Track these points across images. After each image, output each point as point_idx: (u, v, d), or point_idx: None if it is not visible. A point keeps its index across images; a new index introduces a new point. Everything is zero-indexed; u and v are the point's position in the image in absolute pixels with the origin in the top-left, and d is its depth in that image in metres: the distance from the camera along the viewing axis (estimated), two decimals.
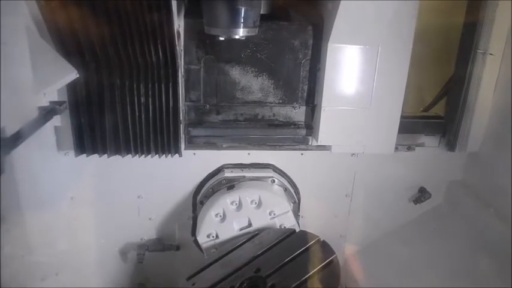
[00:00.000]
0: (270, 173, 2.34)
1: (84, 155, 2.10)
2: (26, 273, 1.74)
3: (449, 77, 2.38)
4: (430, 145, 2.43)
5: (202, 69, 2.16)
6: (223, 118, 2.29)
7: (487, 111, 2.25)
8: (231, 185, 2.27)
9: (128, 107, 2.01)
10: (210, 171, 2.38)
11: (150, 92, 2.00)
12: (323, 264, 1.85)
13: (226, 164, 2.37)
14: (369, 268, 2.53)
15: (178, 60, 1.95)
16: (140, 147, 2.11)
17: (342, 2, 1.87)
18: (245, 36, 1.83)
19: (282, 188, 2.34)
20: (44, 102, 1.69)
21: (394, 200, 2.58)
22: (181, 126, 2.12)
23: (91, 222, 2.38)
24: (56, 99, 1.94)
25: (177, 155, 2.16)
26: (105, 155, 2.11)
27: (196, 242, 2.21)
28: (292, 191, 2.40)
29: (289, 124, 2.33)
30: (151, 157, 2.14)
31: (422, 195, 2.54)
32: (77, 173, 2.25)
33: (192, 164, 2.29)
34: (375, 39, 2.06)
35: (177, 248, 2.52)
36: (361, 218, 2.57)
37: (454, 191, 2.52)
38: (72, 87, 1.94)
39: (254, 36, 1.90)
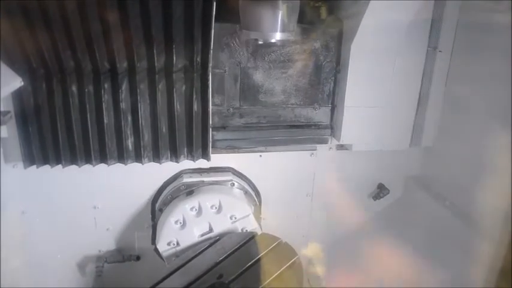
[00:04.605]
0: (229, 177, 2.32)
1: (34, 166, 2.01)
2: None
3: None
4: None
5: (226, 73, 2.16)
6: (246, 121, 2.29)
7: (439, 107, 2.31)
8: (190, 190, 2.23)
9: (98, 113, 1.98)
10: (168, 177, 2.33)
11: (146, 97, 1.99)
12: (286, 266, 1.85)
13: (185, 169, 2.33)
14: (332, 266, 2.55)
15: (210, 64, 1.94)
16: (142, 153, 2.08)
17: (369, 6, 1.91)
18: (284, 39, 1.88)
19: (242, 191, 2.32)
20: None
21: (354, 197, 2.60)
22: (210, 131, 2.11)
23: (45, 237, 2.27)
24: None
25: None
26: (57, 166, 2.03)
27: (156, 250, 2.15)
28: (252, 193, 2.38)
29: (310, 125, 2.36)
30: (160, 163, 2.13)
31: (381, 191, 2.57)
32: (27, 185, 2.15)
33: (149, 171, 2.23)
34: (394, 42, 2.13)
35: (137, 258, 2.45)
36: (322, 217, 2.58)
37: (411, 185, 2.57)
38: (18, 95, 1.86)
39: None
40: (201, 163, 2.27)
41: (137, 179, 2.27)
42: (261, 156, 2.37)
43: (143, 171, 2.19)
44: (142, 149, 2.06)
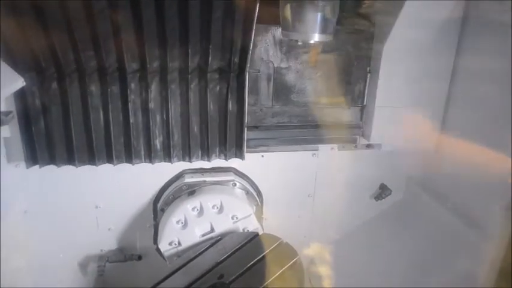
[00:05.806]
0: (231, 177, 2.31)
1: (37, 166, 2.02)
2: None
3: None
4: None
5: (260, 73, 2.19)
6: (278, 121, 2.33)
7: (442, 107, 2.31)
8: (191, 190, 2.23)
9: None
10: (170, 177, 2.33)
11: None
12: (287, 266, 1.85)
13: (187, 170, 2.33)
14: (333, 267, 2.54)
15: (248, 65, 1.97)
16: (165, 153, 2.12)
17: (403, 8, 1.94)
18: (323, 41, 1.92)
19: (243, 191, 2.32)
20: None
21: (356, 198, 2.59)
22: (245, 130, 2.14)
23: (47, 236, 2.27)
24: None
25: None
26: (57, 166, 2.05)
27: (158, 250, 2.16)
28: (254, 193, 2.38)
29: (339, 125, 2.39)
30: (191, 162, 2.17)
31: (383, 191, 2.57)
32: (30, 185, 2.15)
33: (151, 170, 2.23)
34: (426, 41, 2.14)
35: (139, 257, 2.45)
36: (324, 217, 2.58)
37: (413, 186, 2.56)
38: (21, 95, 1.86)
39: None
40: (203, 163, 2.28)
41: (139, 179, 2.27)
42: (263, 156, 2.37)
43: (145, 171, 2.19)
44: (171, 148, 2.09)
